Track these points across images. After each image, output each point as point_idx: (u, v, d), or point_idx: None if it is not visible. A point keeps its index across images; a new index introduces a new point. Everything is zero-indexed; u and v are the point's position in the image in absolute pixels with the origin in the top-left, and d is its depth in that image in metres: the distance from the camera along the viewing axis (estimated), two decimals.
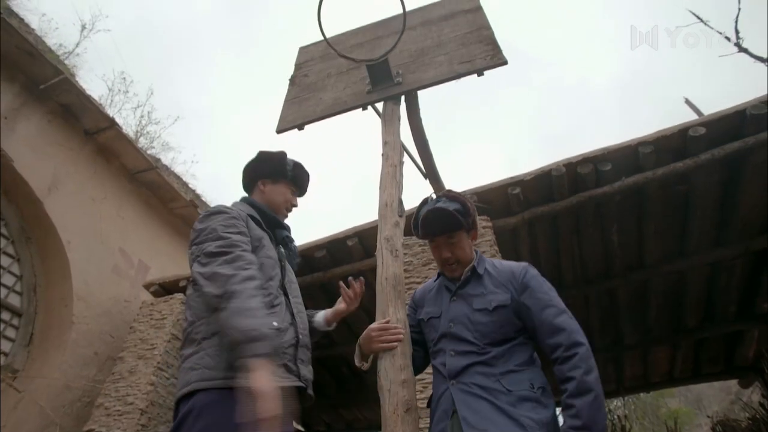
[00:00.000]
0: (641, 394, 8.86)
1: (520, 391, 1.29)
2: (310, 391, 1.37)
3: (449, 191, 1.63)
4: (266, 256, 1.42)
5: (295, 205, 1.73)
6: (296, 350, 1.34)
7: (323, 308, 1.70)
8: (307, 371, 1.36)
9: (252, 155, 1.71)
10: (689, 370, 4.91)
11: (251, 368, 1.07)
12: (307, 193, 1.80)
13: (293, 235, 1.70)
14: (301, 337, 1.38)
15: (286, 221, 1.70)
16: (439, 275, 1.64)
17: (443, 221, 1.52)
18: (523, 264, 1.52)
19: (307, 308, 1.59)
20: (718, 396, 11.20)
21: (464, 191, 2.99)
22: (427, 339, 1.57)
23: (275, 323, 1.25)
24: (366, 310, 3.98)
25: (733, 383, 6.08)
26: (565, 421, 1.28)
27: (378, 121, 2.64)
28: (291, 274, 1.55)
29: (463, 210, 1.54)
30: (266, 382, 1.06)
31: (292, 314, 1.41)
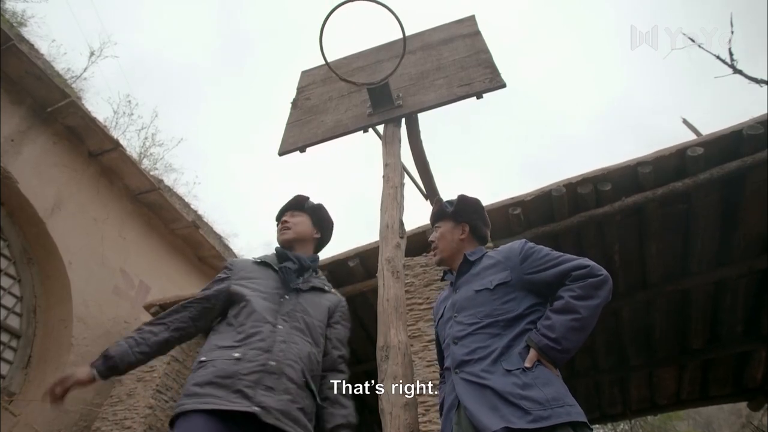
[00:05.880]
0: (649, 417, 8.65)
1: (521, 370, 1.24)
2: (274, 421, 1.28)
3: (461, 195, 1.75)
4: (251, 296, 1.51)
5: (287, 226, 1.72)
6: (261, 376, 1.32)
7: None
8: (271, 399, 1.30)
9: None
10: (697, 392, 4.81)
11: None
12: (330, 240, 1.83)
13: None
14: (273, 364, 1.36)
15: (304, 254, 1.69)
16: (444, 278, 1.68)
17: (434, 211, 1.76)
18: (521, 240, 1.54)
19: None
20: (728, 419, 10.94)
21: None
22: (442, 344, 1.54)
23: (236, 354, 1.36)
24: (367, 330, 3.93)
25: (743, 406, 5.95)
26: (538, 327, 1.30)
27: (379, 142, 2.68)
28: (294, 305, 1.54)
29: (455, 203, 1.69)
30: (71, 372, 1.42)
31: (275, 342, 1.40)
